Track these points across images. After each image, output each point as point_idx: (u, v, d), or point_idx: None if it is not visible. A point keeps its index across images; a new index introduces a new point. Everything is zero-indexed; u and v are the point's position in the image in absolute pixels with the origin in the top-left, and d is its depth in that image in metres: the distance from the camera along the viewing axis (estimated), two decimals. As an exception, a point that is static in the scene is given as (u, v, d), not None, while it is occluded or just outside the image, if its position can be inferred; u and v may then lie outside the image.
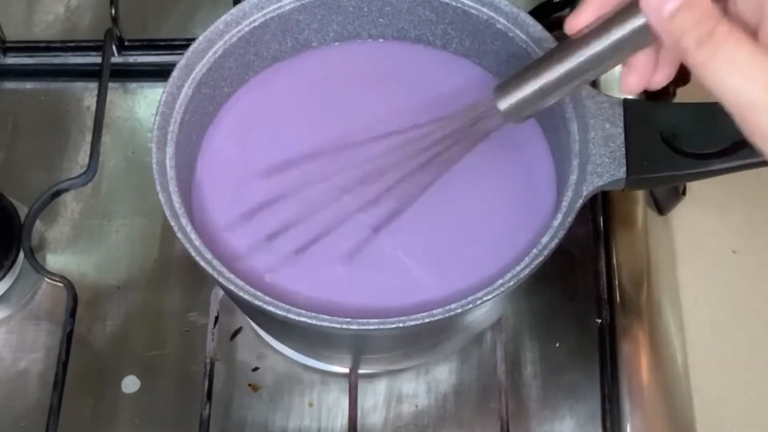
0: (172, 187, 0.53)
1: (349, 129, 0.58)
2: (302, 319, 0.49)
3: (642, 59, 0.47)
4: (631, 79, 0.48)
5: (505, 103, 0.48)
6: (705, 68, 0.41)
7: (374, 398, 0.65)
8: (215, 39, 0.56)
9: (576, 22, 0.47)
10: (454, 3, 0.58)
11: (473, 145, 0.52)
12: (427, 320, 0.49)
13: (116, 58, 0.74)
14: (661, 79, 0.48)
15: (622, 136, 0.53)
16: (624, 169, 0.52)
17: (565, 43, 0.46)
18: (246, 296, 0.50)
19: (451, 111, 0.53)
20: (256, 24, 0.57)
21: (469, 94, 0.60)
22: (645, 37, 0.44)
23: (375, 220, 0.55)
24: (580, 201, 0.52)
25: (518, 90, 0.48)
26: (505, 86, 0.48)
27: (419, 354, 0.64)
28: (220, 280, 0.50)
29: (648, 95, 0.68)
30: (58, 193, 0.66)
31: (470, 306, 0.49)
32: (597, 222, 0.68)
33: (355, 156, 0.56)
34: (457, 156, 0.53)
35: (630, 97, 0.53)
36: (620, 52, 0.45)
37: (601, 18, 0.45)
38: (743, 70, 0.40)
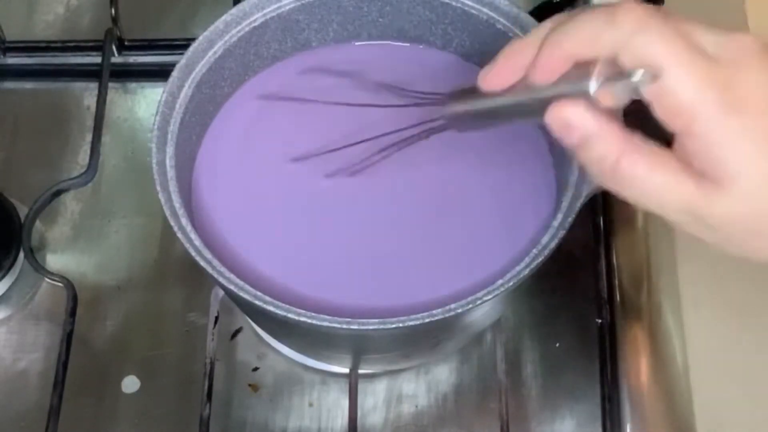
0: (172, 187, 0.53)
1: (348, 129, 0.58)
2: (302, 319, 0.49)
3: None
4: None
5: (448, 110, 0.50)
6: (619, 194, 0.41)
7: (374, 398, 0.65)
8: (215, 39, 0.56)
9: (490, 81, 0.46)
10: (454, 3, 0.58)
11: (418, 138, 0.54)
12: (427, 320, 0.49)
13: (116, 58, 0.74)
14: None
15: (622, 136, 0.53)
16: (624, 169, 0.52)
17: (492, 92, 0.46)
18: (246, 296, 0.50)
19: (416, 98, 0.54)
20: (256, 24, 0.57)
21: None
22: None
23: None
24: (580, 201, 0.52)
25: (459, 106, 0.49)
26: (454, 96, 0.50)
27: (419, 354, 0.64)
28: (220, 280, 0.50)
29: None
30: (58, 193, 0.66)
31: (470, 306, 0.49)
32: (597, 222, 0.68)
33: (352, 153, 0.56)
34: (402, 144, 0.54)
35: None
36: (538, 117, 0.44)
37: (516, 86, 0.44)
38: (654, 197, 0.40)
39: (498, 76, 0.45)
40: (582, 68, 0.41)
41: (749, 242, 0.41)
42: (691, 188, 0.40)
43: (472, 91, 0.48)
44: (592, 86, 0.40)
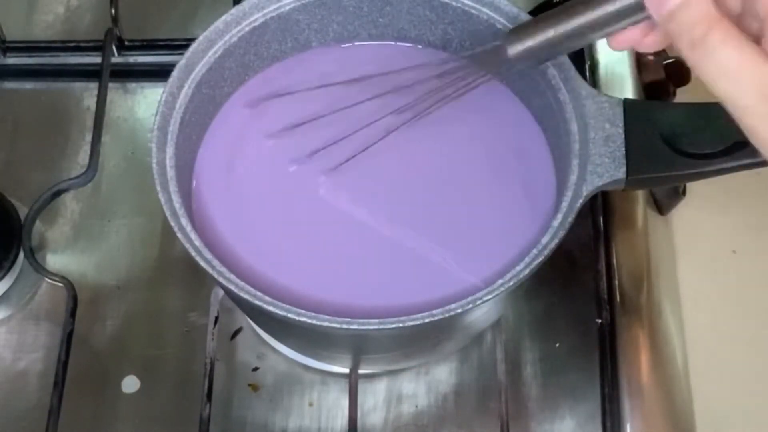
0: (172, 187, 0.53)
1: (349, 129, 0.58)
2: (302, 319, 0.49)
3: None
4: (620, 36, 0.49)
5: (514, 50, 0.51)
6: (698, 69, 0.42)
7: (374, 398, 0.65)
8: (215, 39, 0.56)
9: None
10: (454, 3, 0.58)
11: (472, 86, 0.54)
12: (427, 320, 0.49)
13: (116, 58, 0.74)
14: (651, 42, 0.49)
15: (622, 136, 0.53)
16: (624, 169, 0.52)
17: (573, 4, 0.49)
18: (246, 296, 0.50)
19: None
20: (256, 24, 0.57)
21: (471, 94, 0.60)
22: (646, 12, 0.45)
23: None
24: (580, 201, 0.52)
25: (528, 39, 0.50)
26: (515, 34, 0.51)
27: (419, 354, 0.64)
28: (220, 280, 0.50)
29: (648, 95, 0.68)
30: (58, 193, 0.66)
31: (470, 306, 0.49)
32: (597, 222, 0.68)
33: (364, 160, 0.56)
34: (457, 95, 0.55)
35: (617, 51, 0.54)
36: (623, 19, 0.47)
37: None
38: (733, 77, 0.41)
39: None
40: None
41: None
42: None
43: (532, 26, 0.50)
44: None
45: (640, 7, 0.46)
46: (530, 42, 0.50)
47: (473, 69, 0.54)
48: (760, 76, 0.41)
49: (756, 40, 0.42)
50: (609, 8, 0.47)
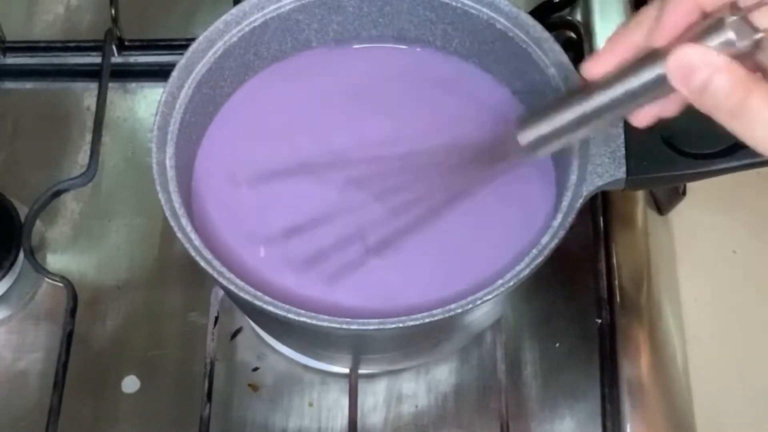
0: (172, 187, 0.53)
1: (349, 129, 0.58)
2: (302, 319, 0.49)
3: None
4: (643, 112, 0.46)
5: (525, 138, 0.48)
6: (743, 137, 0.40)
7: (374, 398, 0.65)
8: (215, 39, 0.56)
9: (595, 68, 0.45)
10: (454, 3, 0.58)
11: (485, 176, 0.52)
12: (427, 320, 0.49)
13: (116, 58, 0.74)
14: (673, 111, 0.46)
15: (622, 136, 0.53)
16: (624, 169, 0.52)
17: (589, 85, 0.45)
18: (246, 296, 0.50)
19: (469, 138, 0.53)
20: (256, 24, 0.57)
21: (469, 94, 0.60)
22: (670, 87, 0.42)
23: (375, 239, 0.55)
24: (580, 201, 0.52)
25: (538, 126, 0.47)
26: (526, 121, 0.48)
27: (419, 354, 0.64)
28: (220, 280, 0.50)
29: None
30: (58, 193, 0.66)
31: (470, 306, 0.49)
32: (597, 222, 0.68)
33: (358, 160, 0.56)
34: (469, 184, 0.53)
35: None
36: (645, 97, 0.44)
37: (624, 64, 0.44)
38: None
39: (602, 60, 0.45)
40: (696, 27, 0.41)
41: None
42: None
43: (544, 112, 0.47)
44: (730, 33, 0.39)
45: (662, 82, 0.42)
46: (545, 127, 0.47)
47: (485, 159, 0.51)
48: None
49: None
50: (630, 86, 0.43)
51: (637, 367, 0.63)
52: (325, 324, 0.49)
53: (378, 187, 0.55)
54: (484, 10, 0.57)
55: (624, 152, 0.53)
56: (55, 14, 0.79)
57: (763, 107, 0.39)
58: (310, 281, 0.54)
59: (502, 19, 0.57)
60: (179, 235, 0.51)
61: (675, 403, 0.63)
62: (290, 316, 0.49)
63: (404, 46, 0.61)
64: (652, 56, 0.43)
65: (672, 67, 0.41)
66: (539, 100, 0.57)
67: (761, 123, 0.39)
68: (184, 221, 0.52)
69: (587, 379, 0.64)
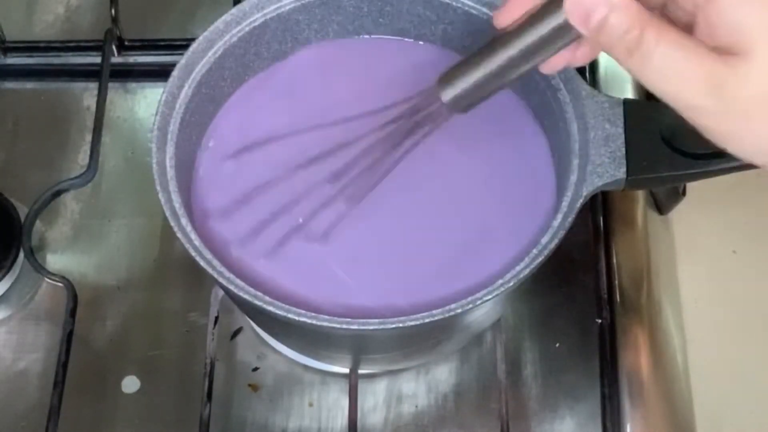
0: (172, 187, 0.53)
1: (349, 129, 0.58)
2: (302, 319, 0.49)
3: None
4: (551, 60, 0.46)
5: (447, 95, 0.49)
6: (640, 76, 0.41)
7: (374, 398, 0.65)
8: (215, 39, 0.56)
9: (503, 18, 0.46)
10: (454, 3, 0.58)
11: (418, 133, 0.52)
12: (427, 320, 0.49)
13: (116, 58, 0.74)
14: (584, 58, 0.47)
15: (622, 136, 0.53)
16: (624, 169, 0.52)
17: (499, 37, 0.46)
18: (246, 296, 0.50)
19: (399, 97, 0.53)
20: (256, 24, 0.57)
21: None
22: (573, 32, 0.43)
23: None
24: (580, 201, 0.52)
25: (459, 82, 0.48)
26: (446, 78, 0.49)
27: (419, 354, 0.64)
28: (220, 280, 0.50)
29: (648, 95, 0.68)
30: (58, 193, 0.66)
31: (470, 306, 0.49)
32: (597, 222, 0.68)
33: (348, 153, 0.56)
34: (404, 143, 0.53)
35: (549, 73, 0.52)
36: (551, 45, 0.45)
37: (528, 13, 0.45)
38: (677, 77, 0.39)
39: (510, 9, 0.45)
40: None
41: (749, 123, 0.40)
42: (713, 61, 0.39)
43: (462, 67, 0.48)
44: None
45: (567, 28, 0.43)
46: (463, 84, 0.48)
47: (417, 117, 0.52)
48: (706, 70, 0.39)
49: (687, 30, 0.40)
50: (539, 33, 0.44)
51: (637, 367, 0.63)
52: (325, 324, 0.49)
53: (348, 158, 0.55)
54: (484, 10, 0.57)
55: (624, 152, 0.53)
56: (55, 14, 0.79)
57: (656, 43, 0.39)
58: (310, 281, 0.54)
59: (502, 19, 0.57)
60: (179, 235, 0.51)
61: (675, 403, 0.63)
62: (290, 316, 0.49)
63: (406, 43, 0.61)
64: (556, 1, 0.43)
65: (570, 6, 0.41)
66: (541, 101, 0.57)
67: (655, 59, 0.39)
68: (184, 221, 0.52)
69: (587, 379, 0.64)
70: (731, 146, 0.41)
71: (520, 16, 0.45)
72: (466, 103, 0.49)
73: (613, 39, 0.40)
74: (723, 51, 0.39)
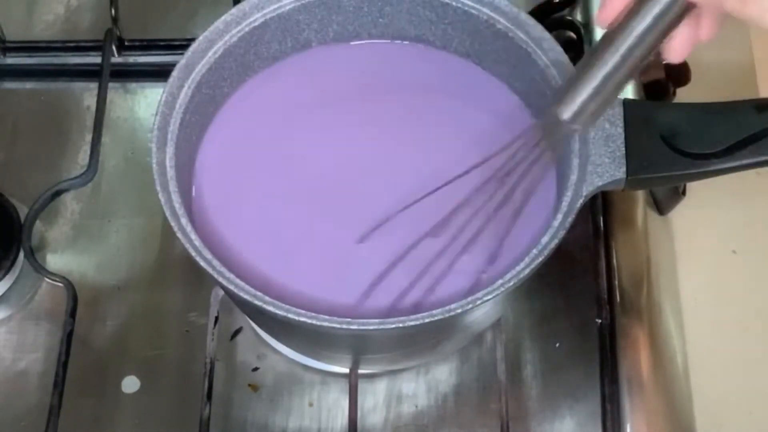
0: (172, 187, 0.53)
1: (349, 129, 0.58)
2: (302, 319, 0.49)
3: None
4: (674, 45, 0.45)
5: (567, 112, 0.46)
6: (758, 18, 0.40)
7: (374, 398, 0.65)
8: (215, 39, 0.56)
9: (607, 13, 0.45)
10: (454, 3, 0.58)
11: (540, 166, 0.51)
12: (427, 320, 0.49)
13: (116, 58, 0.74)
14: (707, 33, 0.45)
15: (622, 136, 0.53)
16: (624, 169, 0.52)
17: (607, 35, 0.45)
18: (246, 296, 0.50)
19: (489, 147, 0.52)
20: (256, 24, 0.57)
21: (470, 94, 0.60)
22: (683, 5, 0.42)
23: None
24: (580, 201, 0.52)
25: (576, 94, 0.46)
26: (561, 96, 0.47)
27: (419, 354, 0.64)
28: (220, 280, 0.50)
29: (648, 95, 0.68)
30: (58, 193, 0.66)
31: (470, 306, 0.49)
32: (597, 222, 0.68)
33: (363, 162, 0.56)
34: (536, 179, 0.52)
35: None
36: (663, 27, 0.43)
37: (632, 2, 0.44)
38: None
39: (611, 4, 0.44)
40: None
41: None
42: None
43: (576, 79, 0.46)
44: None
45: (676, 8, 0.42)
46: (584, 92, 0.45)
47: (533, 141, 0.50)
48: None
49: None
50: (650, 14, 0.43)
51: (637, 367, 0.63)
52: (325, 324, 0.49)
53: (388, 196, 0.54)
54: (484, 10, 0.57)
55: (624, 152, 0.53)
56: (55, 14, 0.79)
57: None
58: (311, 282, 0.54)
59: (502, 19, 0.57)
60: (179, 235, 0.51)
61: (675, 403, 0.63)
62: (290, 316, 0.49)
63: (406, 43, 0.61)
64: None
65: None
66: (541, 101, 0.57)
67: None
68: (184, 221, 0.52)
69: (587, 379, 0.64)
70: None
71: (624, 8, 0.44)
72: (587, 115, 0.46)
73: None
74: None
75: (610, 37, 0.45)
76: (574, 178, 0.53)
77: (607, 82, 0.46)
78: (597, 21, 0.46)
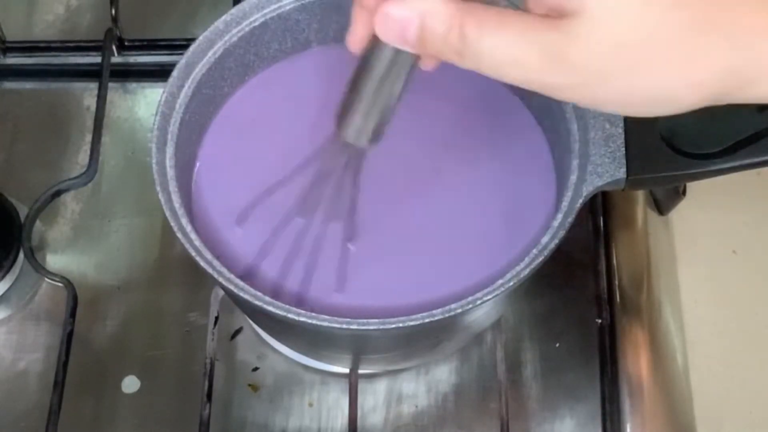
0: (172, 187, 0.53)
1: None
2: (302, 319, 0.49)
3: None
4: (427, 62, 0.44)
5: (348, 136, 0.46)
6: (484, 71, 0.37)
7: (374, 398, 0.65)
8: (215, 39, 0.56)
9: (355, 43, 0.44)
10: (454, 3, 0.58)
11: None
12: (427, 320, 0.49)
13: (116, 58, 0.74)
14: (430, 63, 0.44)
15: (622, 136, 0.53)
16: (624, 169, 0.52)
17: (362, 57, 0.44)
18: (246, 296, 0.50)
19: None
20: (256, 24, 0.57)
21: (470, 93, 0.60)
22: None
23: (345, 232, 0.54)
24: (580, 201, 0.52)
25: (350, 115, 0.46)
26: (338, 119, 0.47)
27: (419, 354, 0.64)
28: (220, 280, 0.50)
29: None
30: (58, 193, 0.66)
31: (470, 306, 0.49)
32: (597, 222, 0.68)
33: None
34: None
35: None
36: (401, 65, 0.42)
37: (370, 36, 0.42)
38: (514, 63, 0.36)
39: (356, 33, 0.43)
40: None
41: (606, 83, 0.36)
42: (545, 31, 0.36)
43: (346, 103, 0.45)
44: None
45: (405, 52, 0.40)
46: (356, 117, 0.45)
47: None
48: (539, 45, 0.36)
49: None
50: (382, 60, 0.42)
51: (637, 367, 0.63)
52: (325, 324, 0.49)
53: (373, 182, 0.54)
54: (484, 10, 0.57)
55: (624, 152, 0.53)
56: (55, 14, 0.79)
57: (479, 34, 0.36)
58: (311, 282, 0.54)
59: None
60: (179, 235, 0.51)
61: (675, 403, 0.63)
62: (290, 316, 0.49)
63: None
64: None
65: (381, 29, 0.38)
66: (541, 100, 0.57)
67: (485, 53, 0.36)
68: (184, 221, 0.52)
69: (587, 379, 0.64)
70: (614, 108, 0.38)
71: (369, 37, 0.42)
72: (366, 133, 0.46)
73: (438, 46, 0.37)
74: (554, 14, 0.36)
75: (366, 57, 0.44)
76: (574, 178, 0.53)
77: (375, 100, 0.45)
78: (348, 47, 0.45)
